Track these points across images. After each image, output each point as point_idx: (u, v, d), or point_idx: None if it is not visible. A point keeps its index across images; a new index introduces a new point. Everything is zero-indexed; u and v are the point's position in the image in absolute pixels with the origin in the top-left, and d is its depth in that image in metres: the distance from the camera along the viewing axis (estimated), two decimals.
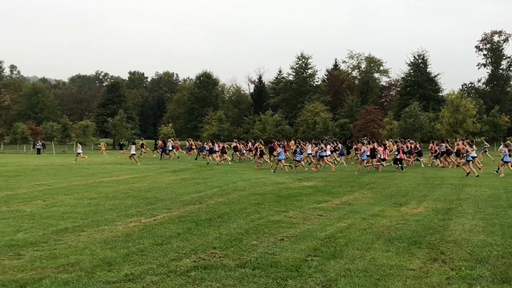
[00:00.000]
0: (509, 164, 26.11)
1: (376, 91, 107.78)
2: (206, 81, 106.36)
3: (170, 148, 49.92)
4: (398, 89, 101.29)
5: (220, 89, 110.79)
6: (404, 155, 33.39)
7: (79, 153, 44.50)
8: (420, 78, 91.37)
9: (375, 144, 32.72)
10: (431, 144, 36.56)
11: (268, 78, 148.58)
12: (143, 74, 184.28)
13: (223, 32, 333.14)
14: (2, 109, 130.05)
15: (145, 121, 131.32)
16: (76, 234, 10.81)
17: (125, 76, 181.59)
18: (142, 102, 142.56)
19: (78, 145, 46.98)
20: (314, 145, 34.63)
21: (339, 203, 15.72)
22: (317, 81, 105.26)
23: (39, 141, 74.76)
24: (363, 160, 30.56)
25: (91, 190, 19.41)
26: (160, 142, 52.31)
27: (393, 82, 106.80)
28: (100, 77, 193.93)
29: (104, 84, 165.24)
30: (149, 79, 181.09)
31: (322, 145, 32.96)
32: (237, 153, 43.55)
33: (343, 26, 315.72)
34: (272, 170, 30.66)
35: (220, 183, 21.78)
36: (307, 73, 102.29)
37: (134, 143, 44.69)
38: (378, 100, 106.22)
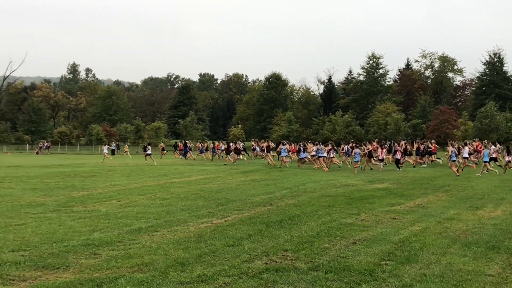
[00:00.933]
0: None
1: (450, 91, 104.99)
2: (276, 82, 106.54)
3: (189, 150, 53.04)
4: (473, 88, 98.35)
5: (289, 90, 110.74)
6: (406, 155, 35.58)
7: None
8: (496, 78, 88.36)
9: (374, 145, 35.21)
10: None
11: (338, 78, 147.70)
12: (213, 76, 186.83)
13: (293, 34, 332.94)
14: (79, 111, 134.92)
15: (215, 122, 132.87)
16: (150, 234, 11.01)
17: (195, 78, 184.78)
18: (212, 103, 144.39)
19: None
20: (313, 145, 36.46)
21: (413, 206, 15.35)
22: (388, 81, 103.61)
23: (113, 142, 77.05)
24: (356, 161, 32.01)
25: (164, 190, 19.76)
26: (180, 144, 55.84)
27: (467, 82, 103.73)
28: (172, 79, 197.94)
29: (175, 86, 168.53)
30: (219, 81, 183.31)
31: (322, 146, 34.94)
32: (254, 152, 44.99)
33: (415, 25, 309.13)
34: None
35: (290, 185, 21.71)
36: (378, 73, 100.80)
37: (149, 144, 48.93)
38: (452, 100, 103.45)
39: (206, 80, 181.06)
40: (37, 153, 78.86)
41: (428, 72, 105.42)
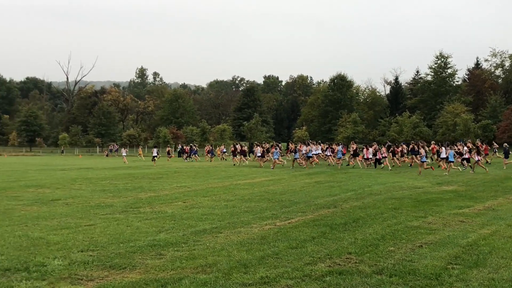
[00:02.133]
0: None
1: None
2: (341, 83, 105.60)
3: (195, 152, 56.99)
4: None
5: (354, 91, 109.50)
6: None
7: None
8: None
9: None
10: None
11: (405, 78, 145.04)
12: (277, 78, 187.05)
13: (357, 35, 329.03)
14: (146, 114, 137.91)
15: (279, 124, 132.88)
16: (214, 235, 11.12)
17: (260, 80, 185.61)
18: (277, 105, 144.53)
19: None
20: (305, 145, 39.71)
21: (482, 208, 14.89)
22: (457, 81, 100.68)
23: (179, 144, 78.40)
24: (339, 158, 36.17)
25: (228, 192, 19.93)
26: (186, 148, 60.45)
27: None
28: (237, 82, 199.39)
29: (240, 89, 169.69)
30: (283, 83, 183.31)
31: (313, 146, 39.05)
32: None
33: (484, 22, 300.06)
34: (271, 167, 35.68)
35: (355, 187, 21.48)
36: (447, 73, 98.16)
37: (155, 147, 54.12)
38: None
39: (271, 82, 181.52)
40: (107, 155, 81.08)
41: (498, 71, 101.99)
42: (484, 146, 39.00)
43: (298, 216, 13.71)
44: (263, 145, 46.13)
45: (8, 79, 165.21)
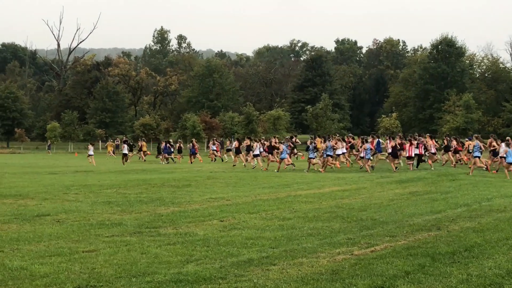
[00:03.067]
0: None
1: None
2: (447, 50, 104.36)
3: (172, 151, 60.63)
4: None
5: (467, 61, 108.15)
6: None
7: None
8: None
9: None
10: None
11: None
12: (355, 43, 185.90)
13: None
14: (168, 96, 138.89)
15: (358, 109, 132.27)
16: (264, 268, 11.15)
17: (330, 46, 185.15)
18: (355, 83, 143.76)
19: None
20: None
21: None
22: None
23: (214, 138, 78.56)
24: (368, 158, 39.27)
25: (284, 207, 19.96)
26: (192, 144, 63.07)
27: None
28: (297, 48, 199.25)
29: (301, 59, 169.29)
30: (364, 50, 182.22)
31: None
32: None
33: None
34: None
35: (468, 200, 21.23)
36: None
37: (125, 142, 58.87)
38: None
39: (346, 49, 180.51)
40: (113, 152, 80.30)
41: None
42: None
43: (385, 241, 13.64)
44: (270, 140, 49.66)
45: None
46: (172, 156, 59.65)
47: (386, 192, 24.82)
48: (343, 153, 44.03)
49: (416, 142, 41.25)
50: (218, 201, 21.79)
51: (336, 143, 42.62)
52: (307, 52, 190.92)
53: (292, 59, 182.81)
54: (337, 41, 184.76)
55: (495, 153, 39.48)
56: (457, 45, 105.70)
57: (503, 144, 36.61)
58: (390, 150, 40.83)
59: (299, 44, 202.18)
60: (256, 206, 20.05)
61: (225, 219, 17.18)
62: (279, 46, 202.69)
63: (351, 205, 20.25)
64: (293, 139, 51.05)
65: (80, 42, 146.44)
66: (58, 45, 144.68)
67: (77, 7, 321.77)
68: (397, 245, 13.21)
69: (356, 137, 52.25)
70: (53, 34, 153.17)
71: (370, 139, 41.42)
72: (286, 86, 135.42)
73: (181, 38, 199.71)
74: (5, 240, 14.16)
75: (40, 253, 12.56)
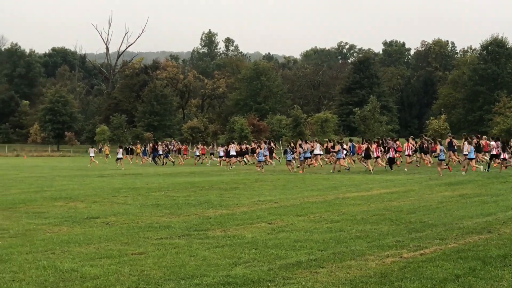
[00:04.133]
0: None
1: None
2: (497, 51, 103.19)
3: (160, 153, 63.98)
4: None
5: None
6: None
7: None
8: None
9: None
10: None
11: None
12: (403, 44, 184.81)
13: None
14: (216, 98, 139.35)
15: (406, 111, 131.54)
16: (312, 270, 11.13)
17: (378, 48, 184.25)
18: (403, 85, 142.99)
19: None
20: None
21: None
22: None
23: (263, 141, 78.61)
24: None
25: (332, 209, 19.91)
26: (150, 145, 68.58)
27: None
28: (344, 50, 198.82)
29: (349, 61, 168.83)
30: (412, 52, 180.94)
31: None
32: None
33: None
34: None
35: None
36: None
37: (121, 147, 59.99)
38: None
39: (394, 50, 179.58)
40: (166, 156, 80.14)
41: None
42: None
43: (435, 244, 13.52)
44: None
45: (28, 51, 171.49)
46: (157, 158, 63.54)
47: (435, 194, 24.60)
48: (320, 154, 48.40)
49: (385, 145, 45.84)
50: (266, 203, 21.82)
51: (313, 146, 46.96)
52: (354, 54, 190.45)
53: (340, 61, 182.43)
54: (385, 43, 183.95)
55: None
56: (507, 46, 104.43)
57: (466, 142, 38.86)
58: (363, 153, 43.92)
59: (347, 47, 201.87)
60: (304, 209, 20.03)
61: (273, 222, 17.19)
62: (327, 49, 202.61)
63: (400, 208, 20.12)
64: (271, 144, 55.21)
65: (129, 45, 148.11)
66: (107, 49, 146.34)
67: (125, 11, 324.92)
68: (447, 248, 13.08)
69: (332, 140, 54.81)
70: (102, 38, 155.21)
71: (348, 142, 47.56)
72: (333, 88, 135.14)
73: (228, 41, 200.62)
74: (56, 242, 14.35)
75: (90, 255, 12.70)
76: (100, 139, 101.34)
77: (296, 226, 16.34)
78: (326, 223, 16.88)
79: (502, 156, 38.43)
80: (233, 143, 57.87)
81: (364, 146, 44.37)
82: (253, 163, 53.26)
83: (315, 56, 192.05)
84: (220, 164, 56.11)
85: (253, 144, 57.26)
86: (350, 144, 48.26)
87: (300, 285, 10.13)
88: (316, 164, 46.91)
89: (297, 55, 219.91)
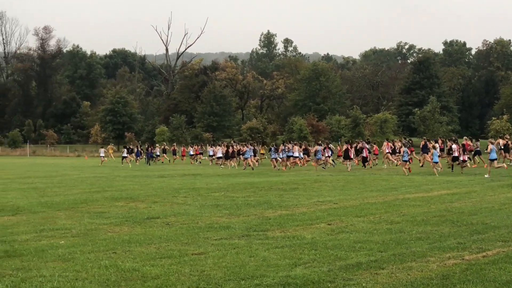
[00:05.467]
0: None
1: None
2: None
3: (158, 154, 69.78)
4: None
5: None
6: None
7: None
8: None
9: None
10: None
11: None
12: (464, 44, 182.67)
13: None
14: (275, 99, 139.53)
15: (467, 112, 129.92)
16: (373, 272, 11.09)
17: (438, 48, 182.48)
18: (464, 85, 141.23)
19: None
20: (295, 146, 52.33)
21: None
22: None
23: (320, 142, 78.51)
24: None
25: (392, 210, 19.79)
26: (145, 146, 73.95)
27: None
28: (403, 51, 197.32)
29: (408, 61, 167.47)
30: (473, 51, 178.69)
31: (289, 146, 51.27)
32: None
33: None
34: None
35: None
36: None
37: (125, 147, 67.57)
38: None
39: (454, 50, 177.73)
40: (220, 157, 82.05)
41: None
42: None
43: (498, 246, 13.35)
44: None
45: (89, 53, 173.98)
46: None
47: (498, 195, 24.27)
48: (299, 156, 52.05)
49: (359, 146, 49.83)
50: (325, 204, 21.78)
51: (293, 147, 51.25)
52: (414, 54, 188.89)
53: (399, 61, 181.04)
54: (445, 43, 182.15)
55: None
56: None
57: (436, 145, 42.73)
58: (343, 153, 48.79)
59: (406, 47, 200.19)
60: (363, 210, 19.95)
61: (332, 223, 17.15)
62: (386, 49, 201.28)
63: (461, 209, 19.89)
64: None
65: (188, 47, 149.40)
66: (167, 50, 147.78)
67: (184, 13, 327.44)
68: (510, 250, 12.90)
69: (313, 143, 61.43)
70: (162, 40, 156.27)
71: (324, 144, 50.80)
72: (393, 89, 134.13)
73: (287, 42, 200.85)
74: (117, 242, 14.53)
75: (151, 255, 12.83)
76: (159, 140, 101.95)
77: (355, 227, 16.28)
78: (386, 224, 16.79)
79: (461, 158, 41.19)
80: (219, 145, 62.74)
81: (345, 147, 48.60)
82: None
83: (374, 56, 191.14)
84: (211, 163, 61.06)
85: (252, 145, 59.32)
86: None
87: (360, 286, 10.10)
88: (298, 163, 51.23)
89: (356, 56, 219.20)
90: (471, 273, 10.83)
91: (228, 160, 55.30)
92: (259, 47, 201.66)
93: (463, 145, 42.68)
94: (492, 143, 38.39)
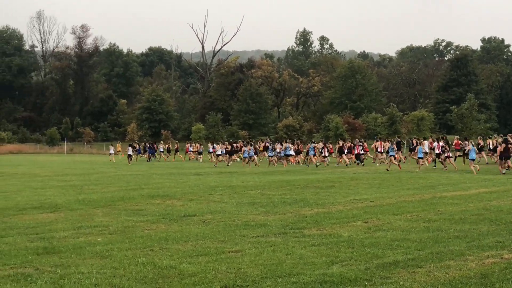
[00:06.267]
0: None
1: None
2: None
3: (161, 150, 72.93)
4: None
5: None
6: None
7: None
8: None
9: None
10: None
11: None
12: (502, 41, 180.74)
13: None
14: (311, 97, 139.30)
15: (506, 109, 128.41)
16: (410, 270, 11.04)
17: (476, 45, 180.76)
18: (502, 82, 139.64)
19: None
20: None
21: None
22: None
23: (357, 139, 78.27)
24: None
25: (429, 208, 19.68)
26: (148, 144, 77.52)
27: None
28: (440, 48, 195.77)
29: (445, 58, 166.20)
30: (511, 48, 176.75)
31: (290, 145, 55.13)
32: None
33: None
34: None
35: None
36: None
37: (130, 145, 69.90)
38: None
39: (492, 47, 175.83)
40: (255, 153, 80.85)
41: None
42: None
43: None
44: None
45: (125, 51, 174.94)
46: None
47: None
48: (291, 154, 55.04)
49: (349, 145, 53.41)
50: (362, 202, 21.74)
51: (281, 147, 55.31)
52: (451, 51, 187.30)
53: (436, 59, 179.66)
54: (483, 40, 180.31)
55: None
56: None
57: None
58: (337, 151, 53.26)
59: (443, 44, 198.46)
60: (400, 208, 19.88)
61: (369, 221, 17.12)
62: (423, 46, 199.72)
63: (500, 208, 19.71)
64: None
65: (224, 44, 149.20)
66: (203, 48, 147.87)
67: (221, 10, 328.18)
68: None
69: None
70: (198, 38, 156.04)
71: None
72: (430, 86, 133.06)
73: (323, 39, 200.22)
74: (155, 239, 14.62)
75: (187, 253, 12.90)
76: (195, 137, 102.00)
77: (392, 225, 16.23)
78: (423, 222, 16.71)
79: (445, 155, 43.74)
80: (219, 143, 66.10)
81: (338, 145, 53.65)
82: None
83: (410, 53, 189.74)
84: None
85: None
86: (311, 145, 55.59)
87: (397, 284, 10.07)
88: (286, 164, 53.65)
89: (392, 53, 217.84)
90: (510, 272, 10.76)
91: (230, 156, 58.77)
92: (295, 45, 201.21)
93: (447, 143, 45.71)
94: (472, 143, 41.64)
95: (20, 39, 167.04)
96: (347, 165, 50.00)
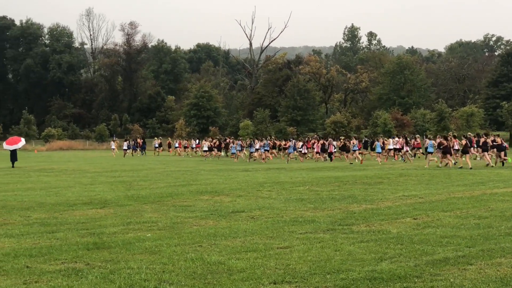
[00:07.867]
0: None
1: None
2: None
3: (157, 145, 79.40)
4: None
5: None
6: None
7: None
8: None
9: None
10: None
11: None
12: None
13: None
14: (359, 93, 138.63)
15: None
16: (461, 267, 10.94)
17: None
18: None
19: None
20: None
21: None
22: None
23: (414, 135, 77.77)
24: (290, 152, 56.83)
25: (480, 205, 19.47)
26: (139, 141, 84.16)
27: None
28: (491, 43, 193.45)
29: (496, 54, 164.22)
30: None
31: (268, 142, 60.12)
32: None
33: None
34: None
35: None
36: None
37: (126, 140, 77.21)
38: None
39: None
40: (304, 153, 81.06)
41: None
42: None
43: None
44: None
45: (173, 48, 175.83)
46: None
47: None
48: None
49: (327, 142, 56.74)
50: (411, 198, 21.60)
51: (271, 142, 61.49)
52: (502, 46, 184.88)
53: (486, 54, 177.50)
54: None
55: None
56: None
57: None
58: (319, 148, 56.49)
59: (494, 39, 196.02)
60: (450, 204, 19.70)
61: (418, 217, 17.00)
62: (472, 41, 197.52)
63: None
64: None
65: (272, 41, 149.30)
66: (250, 44, 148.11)
67: (268, 6, 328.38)
68: None
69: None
70: (245, 34, 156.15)
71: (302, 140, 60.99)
72: (479, 82, 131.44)
73: (371, 35, 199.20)
74: (203, 235, 14.68)
75: (236, 249, 12.93)
76: (243, 134, 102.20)
77: (442, 222, 16.09)
78: (473, 219, 16.54)
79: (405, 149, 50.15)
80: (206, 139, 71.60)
81: (321, 142, 57.49)
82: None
83: (460, 49, 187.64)
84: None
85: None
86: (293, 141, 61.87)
87: (448, 281, 9.98)
88: (271, 158, 59.73)
89: (441, 49, 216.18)
90: None
91: (217, 152, 64.50)
92: (343, 41, 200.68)
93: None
94: (430, 139, 44.12)
95: (70, 36, 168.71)
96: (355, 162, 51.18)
